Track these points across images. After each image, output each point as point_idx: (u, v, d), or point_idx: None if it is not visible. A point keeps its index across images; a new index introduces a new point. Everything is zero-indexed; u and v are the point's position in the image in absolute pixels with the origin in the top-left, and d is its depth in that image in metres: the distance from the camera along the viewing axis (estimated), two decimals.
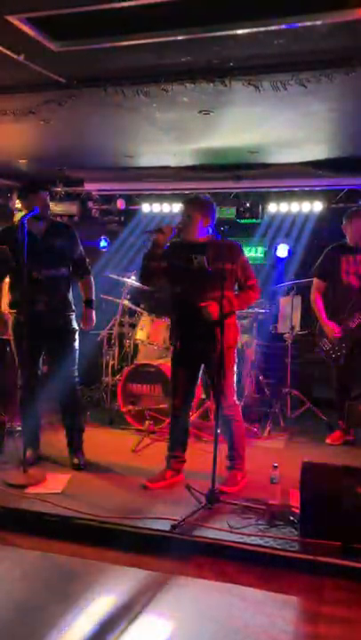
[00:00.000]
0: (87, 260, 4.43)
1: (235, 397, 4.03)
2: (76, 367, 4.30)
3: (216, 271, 3.70)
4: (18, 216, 5.79)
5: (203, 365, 4.02)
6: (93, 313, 4.42)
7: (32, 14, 2.87)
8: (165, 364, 5.50)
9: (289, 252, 6.63)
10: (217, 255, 3.76)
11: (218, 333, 3.67)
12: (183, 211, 3.92)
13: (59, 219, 6.06)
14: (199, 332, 3.82)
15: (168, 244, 3.85)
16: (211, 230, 3.91)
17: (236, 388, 4.04)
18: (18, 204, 6.98)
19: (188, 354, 3.95)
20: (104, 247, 7.23)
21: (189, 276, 3.83)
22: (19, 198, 4.29)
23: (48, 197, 4.19)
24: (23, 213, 3.99)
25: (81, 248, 4.35)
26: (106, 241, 7.25)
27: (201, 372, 4.05)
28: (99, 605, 2.71)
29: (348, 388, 5.08)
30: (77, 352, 4.29)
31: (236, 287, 3.95)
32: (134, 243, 7.28)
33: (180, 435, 4.08)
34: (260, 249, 6.92)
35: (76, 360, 4.30)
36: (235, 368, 4.02)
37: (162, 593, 2.84)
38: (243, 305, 4.00)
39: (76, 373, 4.31)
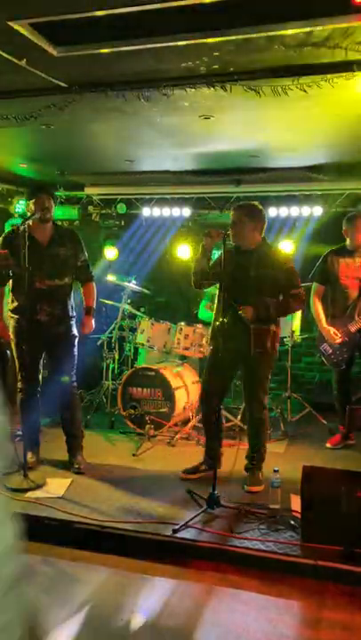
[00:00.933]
0: (90, 266, 4.42)
1: (266, 401, 4.17)
2: (74, 372, 4.30)
3: (259, 277, 3.88)
4: (16, 220, 5.78)
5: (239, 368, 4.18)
6: (92, 320, 4.41)
7: (34, 20, 2.88)
8: (166, 368, 5.50)
9: None
10: (264, 262, 3.92)
11: (251, 338, 3.88)
12: (233, 216, 4.01)
13: (59, 223, 6.06)
14: (236, 334, 3.89)
15: (221, 250, 3.84)
16: (260, 236, 4.04)
17: (268, 393, 4.25)
18: (19, 208, 6.99)
19: (224, 355, 3.93)
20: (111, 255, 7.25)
21: (234, 281, 3.89)
22: (26, 201, 4.25)
23: (52, 202, 4.15)
24: (18, 218, 3.98)
25: (85, 255, 4.34)
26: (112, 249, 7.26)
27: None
28: (100, 610, 2.70)
29: (348, 392, 5.09)
30: (76, 357, 4.29)
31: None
32: (135, 247, 7.30)
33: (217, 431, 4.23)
34: None
35: (75, 365, 4.30)
36: (269, 374, 4.14)
37: (163, 597, 2.84)
38: (281, 312, 4.05)
39: (74, 378, 4.31)
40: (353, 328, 4.81)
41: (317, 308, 4.97)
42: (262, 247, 4.03)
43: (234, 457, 4.20)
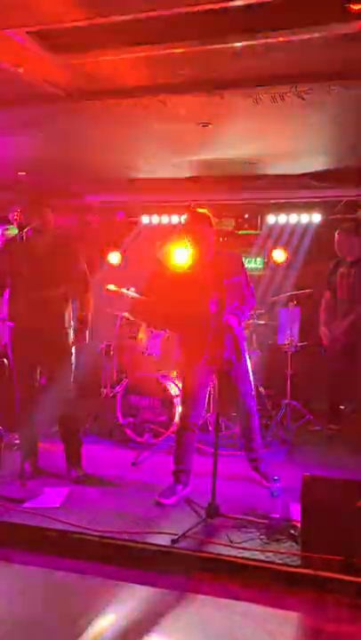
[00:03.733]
0: (88, 276, 4.37)
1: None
2: (71, 381, 4.27)
3: (231, 284, 3.91)
4: (13, 230, 5.78)
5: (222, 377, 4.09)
6: (87, 333, 4.33)
7: (32, 28, 2.89)
8: (165, 376, 5.48)
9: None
10: (229, 268, 3.97)
11: (234, 344, 3.93)
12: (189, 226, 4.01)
13: (58, 231, 6.04)
14: (216, 344, 3.86)
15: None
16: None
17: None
18: (17, 217, 6.98)
19: (202, 364, 3.93)
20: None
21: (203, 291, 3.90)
22: (23, 212, 4.23)
23: (49, 211, 4.14)
24: (16, 227, 3.97)
25: (83, 265, 4.29)
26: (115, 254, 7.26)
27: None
28: (98, 622, 2.67)
29: (339, 390, 5.61)
30: (73, 366, 4.27)
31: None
32: (134, 254, 7.29)
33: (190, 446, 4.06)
34: (258, 260, 6.93)
35: (72, 374, 4.27)
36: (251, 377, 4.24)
37: (162, 609, 2.80)
38: (247, 313, 4.15)
39: (71, 387, 4.28)
40: (337, 331, 5.39)
41: (320, 311, 5.58)
42: (220, 253, 4.11)
43: (234, 465, 4.18)
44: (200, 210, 4.13)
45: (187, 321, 4.02)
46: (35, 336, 4.01)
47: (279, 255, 6.56)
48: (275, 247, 6.62)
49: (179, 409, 5.27)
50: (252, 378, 4.28)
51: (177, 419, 5.25)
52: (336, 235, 5.39)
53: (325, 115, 3.90)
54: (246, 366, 4.16)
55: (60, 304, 4.19)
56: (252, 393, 4.28)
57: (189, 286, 3.96)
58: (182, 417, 4.07)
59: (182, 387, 4.18)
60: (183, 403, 4.09)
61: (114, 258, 7.25)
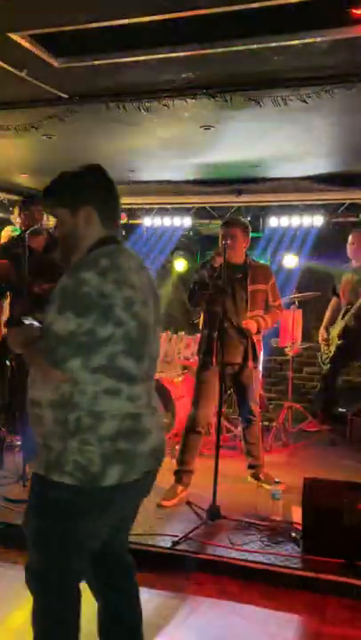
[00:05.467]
0: None
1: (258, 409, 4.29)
2: None
3: (254, 290, 4.02)
4: (8, 231, 5.79)
5: (231, 381, 4.20)
6: None
7: (34, 31, 2.90)
8: (166, 378, 5.48)
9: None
10: (255, 276, 4.05)
11: (250, 351, 4.00)
12: (227, 231, 4.03)
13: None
14: (234, 348, 3.98)
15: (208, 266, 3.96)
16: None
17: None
18: (15, 218, 6.99)
19: (215, 366, 3.96)
20: None
21: (231, 296, 3.97)
22: (19, 212, 4.27)
23: (43, 212, 4.21)
24: (14, 228, 4.00)
25: None
26: None
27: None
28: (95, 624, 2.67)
29: (333, 385, 5.70)
30: None
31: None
32: None
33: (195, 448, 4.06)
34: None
35: None
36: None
37: (163, 611, 2.80)
38: (271, 324, 4.19)
39: None
40: (335, 333, 5.50)
41: (326, 314, 5.69)
42: (248, 261, 4.15)
43: (235, 467, 4.18)
44: (241, 218, 4.30)
45: (207, 320, 4.09)
46: None
47: (290, 261, 6.53)
48: (278, 250, 6.61)
49: (180, 410, 5.28)
50: (260, 386, 4.32)
51: (178, 421, 5.25)
52: (350, 237, 5.42)
53: (328, 118, 3.91)
54: (258, 373, 4.19)
55: None
56: (257, 401, 4.31)
57: (215, 287, 3.96)
58: (190, 418, 4.07)
59: (194, 387, 4.19)
60: (193, 403, 4.10)
61: None
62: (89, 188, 1.92)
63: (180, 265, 7.05)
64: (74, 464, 1.65)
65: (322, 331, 5.66)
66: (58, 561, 1.76)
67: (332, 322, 5.58)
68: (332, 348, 5.51)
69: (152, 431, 1.79)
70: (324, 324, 5.69)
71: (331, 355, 5.50)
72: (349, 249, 5.43)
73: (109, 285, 1.66)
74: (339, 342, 5.44)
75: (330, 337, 5.54)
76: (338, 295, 5.61)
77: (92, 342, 1.65)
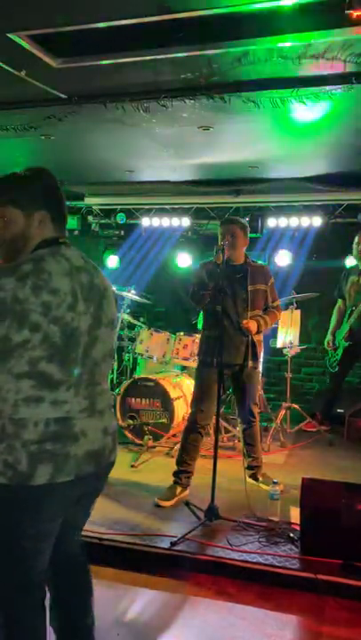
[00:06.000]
0: None
1: (257, 410, 4.28)
2: None
3: (254, 290, 4.02)
4: None
5: (231, 381, 4.18)
6: None
7: (33, 32, 2.90)
8: (165, 378, 5.49)
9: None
10: (255, 276, 4.05)
11: (250, 351, 4.00)
12: (226, 229, 4.02)
13: None
14: (231, 347, 3.96)
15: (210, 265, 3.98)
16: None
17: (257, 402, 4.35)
18: None
19: (215, 366, 3.92)
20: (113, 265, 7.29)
21: (231, 296, 3.96)
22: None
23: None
24: None
25: None
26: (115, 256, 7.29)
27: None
28: (96, 624, 2.67)
29: (340, 387, 5.81)
30: None
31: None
32: (134, 257, 7.30)
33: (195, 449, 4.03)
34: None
35: None
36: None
37: (161, 612, 2.81)
38: (271, 324, 4.18)
39: None
40: (342, 336, 5.56)
41: (332, 318, 5.76)
42: (248, 261, 4.14)
43: (233, 468, 4.18)
44: (240, 218, 4.28)
45: (207, 320, 4.10)
46: None
47: (283, 258, 6.53)
48: (276, 249, 6.62)
49: (178, 411, 5.28)
50: (261, 386, 4.32)
51: (176, 421, 5.26)
52: (357, 237, 5.42)
53: (327, 118, 3.91)
54: (258, 374, 4.19)
55: None
56: (257, 401, 4.31)
57: (215, 286, 3.94)
58: (190, 418, 4.06)
59: (194, 387, 4.19)
60: (193, 404, 4.09)
61: (112, 262, 7.28)
62: (44, 191, 1.90)
63: (179, 265, 7.05)
64: (3, 463, 1.66)
65: (329, 337, 5.71)
66: (1, 559, 1.75)
67: (339, 326, 5.64)
68: (340, 351, 5.56)
69: (88, 434, 1.77)
70: (331, 329, 5.73)
71: (338, 357, 5.58)
72: (355, 249, 5.42)
73: (26, 290, 1.63)
74: (346, 344, 5.50)
75: (337, 341, 5.61)
76: (343, 297, 5.64)
77: (6, 348, 1.63)
